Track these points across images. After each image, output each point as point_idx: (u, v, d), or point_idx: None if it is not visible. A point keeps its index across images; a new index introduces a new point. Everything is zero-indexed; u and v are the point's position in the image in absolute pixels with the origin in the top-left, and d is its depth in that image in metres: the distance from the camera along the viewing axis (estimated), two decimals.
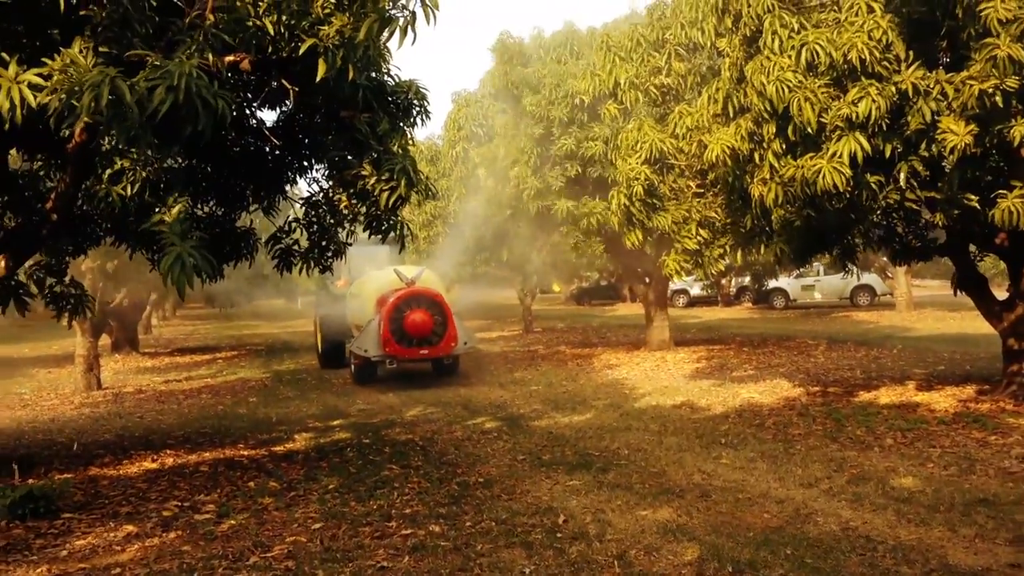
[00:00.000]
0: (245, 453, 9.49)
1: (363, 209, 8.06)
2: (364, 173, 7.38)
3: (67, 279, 10.45)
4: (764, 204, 8.77)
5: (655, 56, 11.11)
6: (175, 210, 6.16)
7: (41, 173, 9.15)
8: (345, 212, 9.23)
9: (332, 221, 9.76)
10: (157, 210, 6.40)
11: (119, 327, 23.01)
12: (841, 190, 7.87)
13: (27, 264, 10.48)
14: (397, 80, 7.95)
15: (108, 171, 6.73)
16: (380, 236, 8.69)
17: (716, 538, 5.85)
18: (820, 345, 17.97)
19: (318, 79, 6.07)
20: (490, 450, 9.28)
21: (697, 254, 10.70)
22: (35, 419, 12.85)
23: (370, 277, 16.67)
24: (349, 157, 7.59)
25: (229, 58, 6.49)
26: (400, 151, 7.52)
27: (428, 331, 14.57)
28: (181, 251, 5.73)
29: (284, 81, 6.53)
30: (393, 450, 9.41)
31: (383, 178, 7.28)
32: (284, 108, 8.69)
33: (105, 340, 23.61)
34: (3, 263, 7.81)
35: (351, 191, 7.76)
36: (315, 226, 9.80)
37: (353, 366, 15.92)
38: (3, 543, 6.11)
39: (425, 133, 31.21)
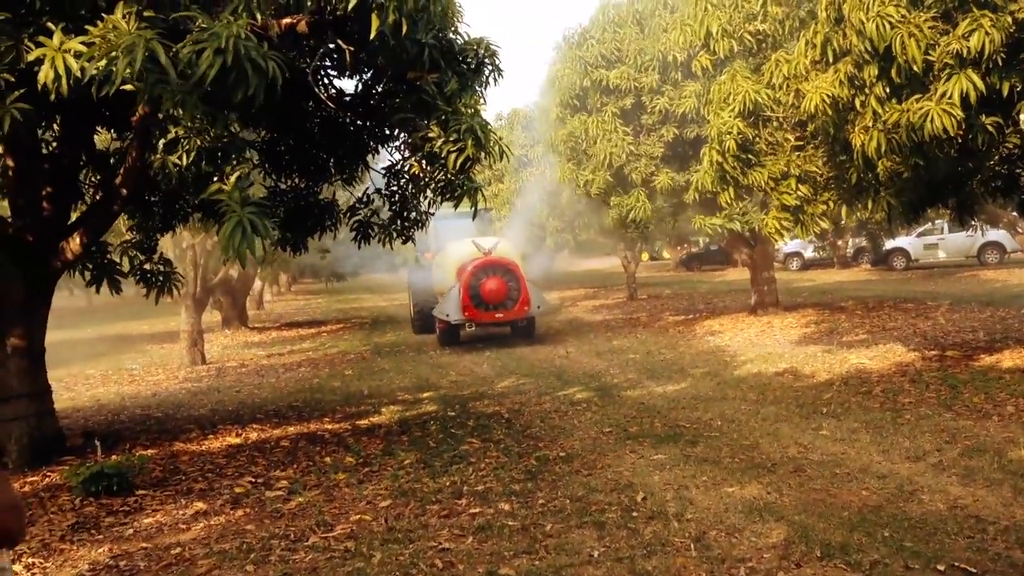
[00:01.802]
0: (329, 427, 9.39)
1: (435, 175, 7.75)
2: (431, 135, 7.07)
3: (156, 256, 10.55)
4: (867, 154, 8.06)
5: (750, 1, 10.39)
6: (233, 178, 5.98)
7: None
8: (423, 179, 8.99)
9: (413, 190, 9.54)
10: (215, 179, 6.28)
11: (229, 303, 23.58)
12: (952, 134, 7.13)
13: (118, 242, 10.68)
14: (467, 38, 7.60)
15: (162, 140, 6.58)
16: (453, 201, 8.41)
17: (806, 518, 5.35)
18: (941, 307, 16.85)
19: (372, 36, 5.76)
20: (576, 422, 8.92)
21: (798, 211, 9.98)
22: (137, 394, 13.15)
23: (452, 248, 17.61)
24: (416, 119, 7.28)
25: (286, 20, 6.27)
26: (469, 111, 7.17)
27: (503, 296, 15.93)
28: (241, 217, 5.53)
29: (340, 41, 6.22)
30: (477, 423, 9.15)
31: (450, 139, 6.96)
32: (363, 77, 8.49)
33: (216, 316, 24.35)
34: (79, 240, 7.85)
35: (420, 155, 7.46)
36: (396, 196, 9.61)
37: (438, 330, 17.36)
38: (73, 521, 6.10)
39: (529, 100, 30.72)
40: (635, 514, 5.64)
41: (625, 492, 6.17)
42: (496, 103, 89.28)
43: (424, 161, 7.63)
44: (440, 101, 7.11)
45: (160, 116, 6.35)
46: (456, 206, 8.55)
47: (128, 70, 4.96)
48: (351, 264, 29.36)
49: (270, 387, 13.11)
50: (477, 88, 7.67)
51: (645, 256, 58.25)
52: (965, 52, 6.86)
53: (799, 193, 9.83)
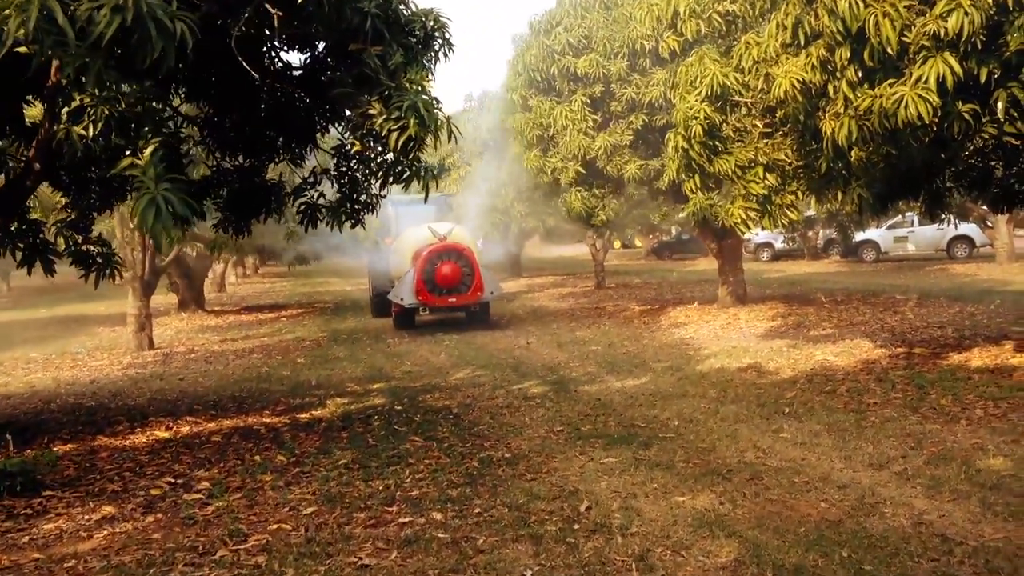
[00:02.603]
0: (268, 420, 8.89)
1: (378, 155, 7.25)
2: (372, 112, 6.54)
3: (94, 236, 9.97)
4: (837, 143, 7.62)
5: None
6: (148, 151, 5.43)
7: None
8: (371, 159, 8.48)
9: (363, 172, 9.03)
10: (128, 152, 5.73)
11: (185, 285, 22.92)
12: (927, 122, 6.70)
13: (53, 221, 10.08)
14: (415, 8, 7.08)
15: (65, 109, 6.02)
16: (400, 184, 7.91)
17: (760, 534, 4.93)
18: (910, 301, 16.56)
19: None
20: (527, 419, 8.47)
21: (765, 201, 9.56)
22: (76, 380, 12.56)
23: (408, 233, 17.89)
24: (358, 95, 6.74)
25: None
26: (414, 87, 6.65)
27: (456, 281, 16.22)
28: (155, 194, 4.99)
29: (267, 5, 5.68)
30: (423, 419, 8.68)
31: (392, 117, 6.44)
32: (310, 50, 7.97)
33: (173, 299, 23.69)
34: None
35: (360, 133, 6.94)
36: (345, 178, 9.10)
37: (393, 314, 17.60)
38: None
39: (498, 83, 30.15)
40: (576, 527, 5.20)
41: (569, 500, 5.73)
42: (467, 85, 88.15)
43: (368, 140, 7.09)
44: (383, 76, 6.60)
45: (65, 82, 5.77)
46: (405, 189, 8.06)
47: (21, 30, 4.41)
48: (319, 248, 28.79)
49: (216, 375, 12.56)
50: (425, 63, 7.17)
51: (618, 244, 57.94)
52: (942, 33, 6.44)
53: (766, 182, 9.40)
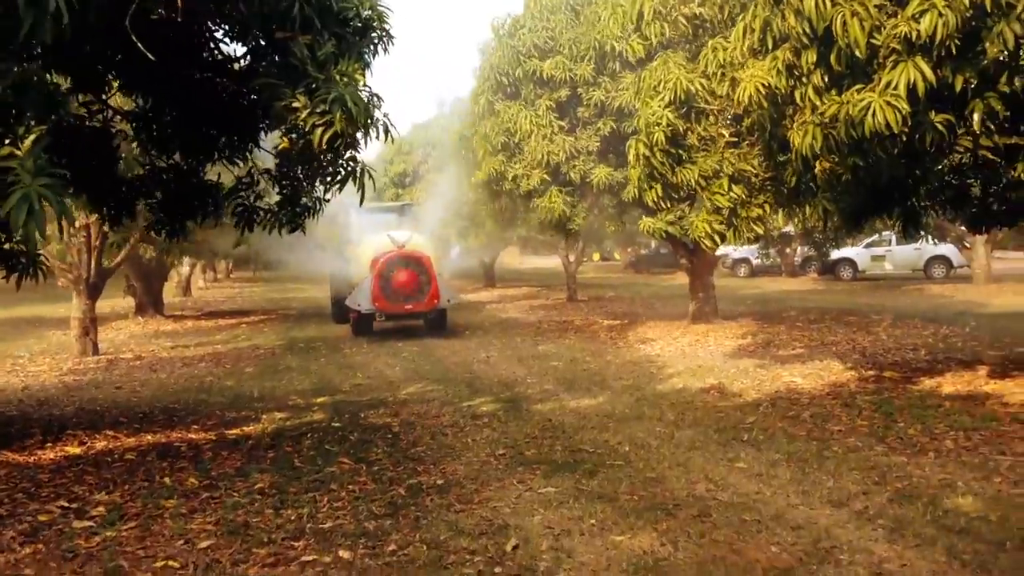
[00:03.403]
0: (193, 436, 8.29)
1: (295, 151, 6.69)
2: (296, 105, 5.99)
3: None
4: (803, 153, 7.15)
5: None
6: (29, 140, 4.85)
7: None
8: (314, 158, 7.92)
9: (307, 173, 8.46)
10: (8, 141, 5.15)
11: (142, 289, 22.25)
12: (896, 131, 6.23)
13: None
14: None
15: None
16: (333, 185, 7.39)
17: None
18: (884, 321, 16.12)
19: None
20: (470, 441, 7.92)
21: (731, 214, 9.09)
22: (6, 386, 11.89)
23: (367, 240, 18.17)
24: (282, 87, 6.18)
25: None
26: (344, 80, 6.10)
27: (413, 289, 16.28)
28: (30, 191, 4.41)
29: None
30: (360, 437, 8.12)
31: (317, 111, 5.90)
32: (256, 43, 7.40)
33: (130, 302, 22.99)
34: None
35: (284, 128, 6.38)
36: (287, 179, 8.52)
37: (351, 320, 17.58)
38: None
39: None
40: (498, 570, 4.65)
41: (495, 537, 5.18)
42: (442, 92, 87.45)
43: (293, 137, 6.53)
44: (311, 67, 6.06)
45: None
46: (340, 190, 7.52)
47: None
48: (288, 254, 28.26)
49: (156, 384, 11.94)
50: (363, 54, 6.63)
51: (596, 256, 57.65)
52: (914, 36, 5.98)
53: (732, 194, 8.93)
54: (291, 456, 7.38)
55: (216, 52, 7.75)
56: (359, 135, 6.26)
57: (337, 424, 8.81)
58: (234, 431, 8.59)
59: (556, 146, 14.15)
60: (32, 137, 4.87)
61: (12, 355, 15.49)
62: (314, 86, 6.00)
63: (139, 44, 5.11)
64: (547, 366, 12.65)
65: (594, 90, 13.86)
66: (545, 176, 14.64)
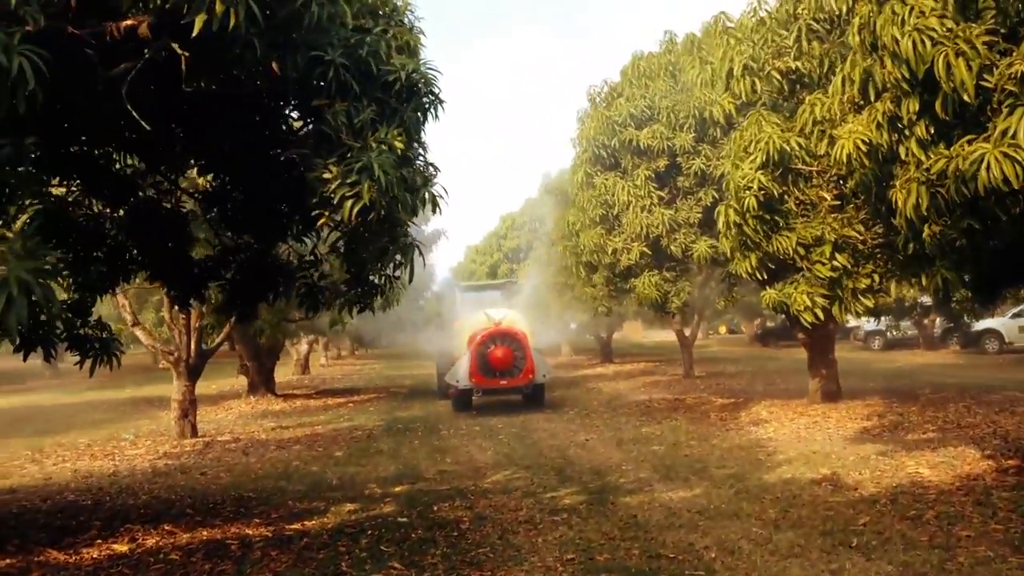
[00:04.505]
0: (249, 532, 7.82)
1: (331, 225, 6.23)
2: (327, 176, 5.54)
3: (93, 319, 9.26)
4: (909, 216, 6.25)
5: (782, 34, 8.71)
6: (21, 221, 4.53)
7: None
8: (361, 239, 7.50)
9: (371, 250, 8.02)
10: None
11: (256, 368, 22.44)
12: (1016, 187, 5.29)
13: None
14: (397, 61, 6.08)
15: None
16: (384, 263, 6.91)
17: None
18: None
19: (194, 33, 4.31)
20: (541, 541, 7.16)
21: (835, 285, 8.14)
22: (99, 472, 11.82)
23: (465, 318, 18.85)
24: (314, 156, 5.76)
25: (127, 22, 4.88)
26: (381, 147, 5.62)
27: (509, 364, 16.64)
28: (9, 275, 4.02)
29: (175, 45, 4.74)
30: (422, 536, 7.48)
31: (348, 181, 5.44)
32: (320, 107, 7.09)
33: (243, 381, 23.23)
34: None
35: (314, 200, 5.93)
36: (353, 257, 8.07)
37: (451, 396, 18.05)
38: None
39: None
40: None
41: None
42: (548, 165, 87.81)
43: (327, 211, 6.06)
44: (345, 134, 5.62)
45: None
46: (383, 268, 7.05)
47: None
48: (407, 331, 28.50)
49: (241, 469, 11.65)
50: (406, 120, 6.14)
51: (723, 329, 55.91)
52: None
53: (835, 263, 7.99)
54: (340, 559, 6.79)
55: (283, 126, 7.49)
56: (401, 207, 5.76)
57: (404, 519, 8.20)
58: (295, 526, 8.08)
59: (655, 218, 13.43)
60: (24, 218, 4.56)
61: (118, 437, 15.62)
62: (349, 155, 5.56)
63: (133, 112, 4.74)
64: (647, 451, 11.75)
65: (694, 159, 13.14)
66: (645, 249, 13.90)
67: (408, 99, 6.15)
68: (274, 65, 5.33)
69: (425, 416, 17.49)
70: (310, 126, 6.20)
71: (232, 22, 4.23)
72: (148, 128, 4.94)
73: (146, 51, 4.69)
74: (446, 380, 18.01)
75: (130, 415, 19.61)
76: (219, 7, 4.16)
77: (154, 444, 14.42)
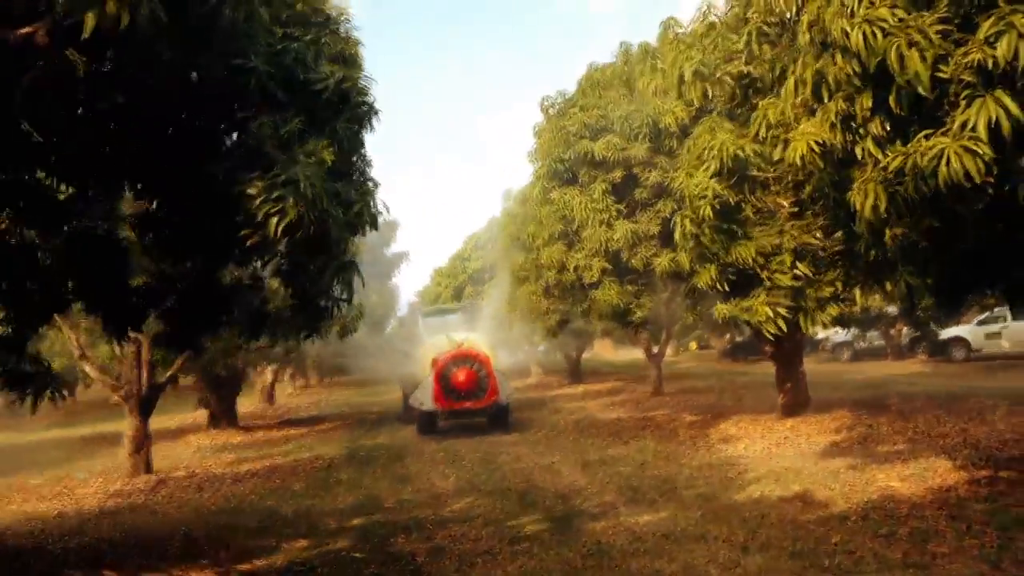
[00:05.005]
0: (191, 575, 7.37)
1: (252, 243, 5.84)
2: (250, 191, 5.18)
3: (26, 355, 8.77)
4: (869, 219, 5.99)
5: (732, 39, 8.47)
6: None
7: None
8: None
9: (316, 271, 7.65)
10: None
11: (216, 400, 21.85)
12: (979, 182, 5.03)
13: None
14: (321, 70, 5.75)
15: None
16: (323, 284, 6.54)
17: None
18: (1000, 408, 14.29)
19: (84, 34, 3.94)
20: (500, 573, 6.80)
21: (798, 295, 7.88)
22: (41, 514, 11.27)
23: (429, 341, 18.64)
24: (238, 171, 5.39)
25: (24, 30, 4.52)
26: (310, 159, 5.28)
27: (472, 386, 16.64)
28: None
29: (74, 52, 4.36)
30: (375, 572, 7.14)
31: (272, 196, 5.08)
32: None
33: (203, 415, 22.60)
34: None
35: (238, 218, 5.56)
36: (299, 280, 7.68)
37: (417, 420, 17.93)
38: None
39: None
40: None
41: None
42: (509, 182, 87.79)
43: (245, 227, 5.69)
44: (271, 146, 5.27)
45: None
46: (327, 289, 6.68)
47: None
48: (373, 357, 28.09)
49: (194, 507, 11.17)
50: (340, 132, 5.80)
51: (693, 346, 55.66)
52: (990, 64, 4.84)
53: (796, 272, 7.73)
54: None
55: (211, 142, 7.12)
56: (334, 224, 5.40)
57: (358, 554, 7.81)
58: (244, 566, 7.67)
59: (616, 232, 13.13)
60: None
61: (71, 476, 15.02)
62: (275, 168, 5.21)
63: (25, 125, 4.37)
64: (613, 472, 11.40)
65: (650, 170, 12.86)
66: (605, 265, 13.60)
67: (340, 110, 5.82)
68: (193, 75, 5.00)
69: (389, 443, 17.03)
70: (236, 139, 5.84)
71: (125, 21, 3.86)
72: (41, 141, 4.55)
73: (41, 61, 4.31)
74: (411, 404, 18.20)
75: (86, 453, 18.93)
76: (111, 5, 3.80)
77: (105, 483, 13.83)
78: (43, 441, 22.43)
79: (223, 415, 21.91)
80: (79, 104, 4.86)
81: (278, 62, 5.36)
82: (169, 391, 16.73)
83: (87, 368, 14.46)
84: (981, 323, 27.92)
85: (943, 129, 5.18)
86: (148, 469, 14.41)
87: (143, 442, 14.49)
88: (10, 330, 8.66)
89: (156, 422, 22.95)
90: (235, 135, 5.83)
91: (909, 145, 5.36)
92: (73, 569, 7.78)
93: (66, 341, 14.66)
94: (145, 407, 14.49)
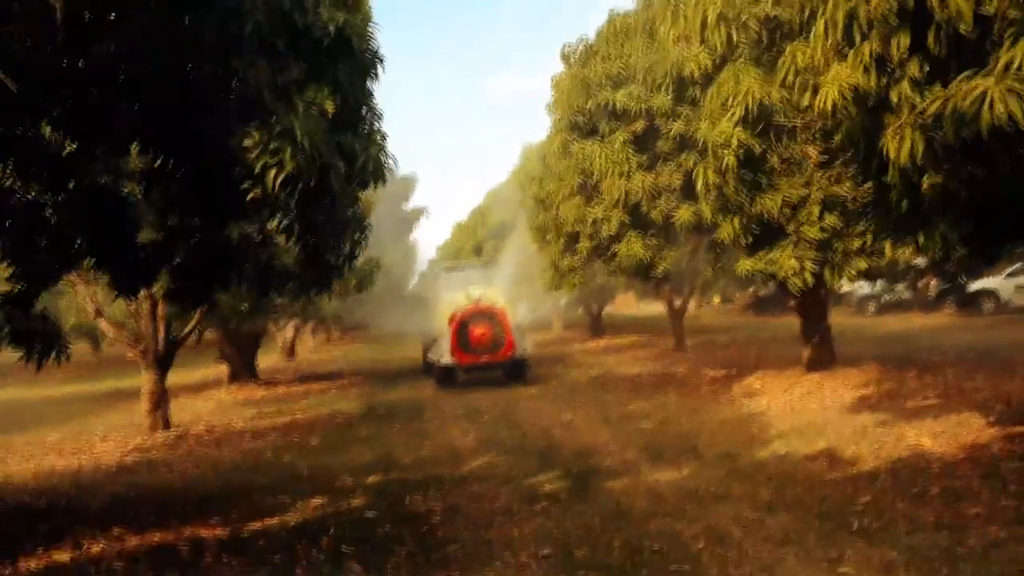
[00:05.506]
0: (204, 534, 7.24)
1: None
2: (247, 143, 4.95)
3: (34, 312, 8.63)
4: (903, 167, 5.67)
5: None
6: None
7: None
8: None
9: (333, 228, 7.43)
10: None
11: (236, 355, 21.84)
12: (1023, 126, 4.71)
13: None
14: (321, 16, 5.45)
15: None
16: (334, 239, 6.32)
17: None
18: None
19: None
20: (516, 534, 6.64)
21: (825, 247, 7.58)
22: (61, 469, 11.24)
23: (447, 298, 19.03)
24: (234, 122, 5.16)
25: None
26: (311, 109, 5.02)
27: (488, 341, 16.99)
28: None
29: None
30: (388, 532, 6.96)
31: (270, 148, 4.84)
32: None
33: (225, 370, 22.58)
34: None
35: (236, 169, 5.32)
36: (309, 235, 7.46)
37: (435, 373, 18.40)
38: None
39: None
40: None
41: None
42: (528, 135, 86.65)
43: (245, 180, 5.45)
44: (268, 96, 5.01)
45: None
46: (333, 245, 6.46)
47: None
48: (395, 312, 28.06)
49: (211, 463, 11.09)
50: (341, 80, 5.53)
51: (716, 299, 55.28)
52: None
53: (825, 224, 7.41)
54: (296, 563, 6.24)
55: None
56: (335, 177, 5.16)
57: (371, 514, 7.64)
58: (255, 525, 7.53)
59: (635, 184, 12.77)
60: None
61: (90, 431, 15.04)
62: (272, 119, 4.95)
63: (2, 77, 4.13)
64: (634, 429, 11.22)
65: (673, 121, 12.44)
66: (625, 218, 13.27)
67: (339, 56, 5.54)
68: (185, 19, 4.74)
69: (409, 399, 16.96)
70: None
71: None
72: (13, 89, 4.31)
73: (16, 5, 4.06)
74: (430, 358, 18.80)
75: (106, 408, 18.98)
76: None
77: (124, 438, 13.81)
78: (62, 396, 22.54)
79: (244, 370, 21.94)
80: (61, 53, 4.60)
81: (275, 6, 5.07)
82: (193, 346, 16.80)
83: (103, 325, 14.39)
84: (1010, 275, 27.38)
85: (986, 70, 4.83)
86: (166, 425, 14.38)
87: (161, 398, 14.45)
88: (19, 288, 8.53)
89: (178, 376, 23.07)
90: (233, 84, 5.56)
91: (949, 88, 5.02)
92: (84, 526, 7.67)
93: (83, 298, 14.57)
94: (163, 363, 14.42)
